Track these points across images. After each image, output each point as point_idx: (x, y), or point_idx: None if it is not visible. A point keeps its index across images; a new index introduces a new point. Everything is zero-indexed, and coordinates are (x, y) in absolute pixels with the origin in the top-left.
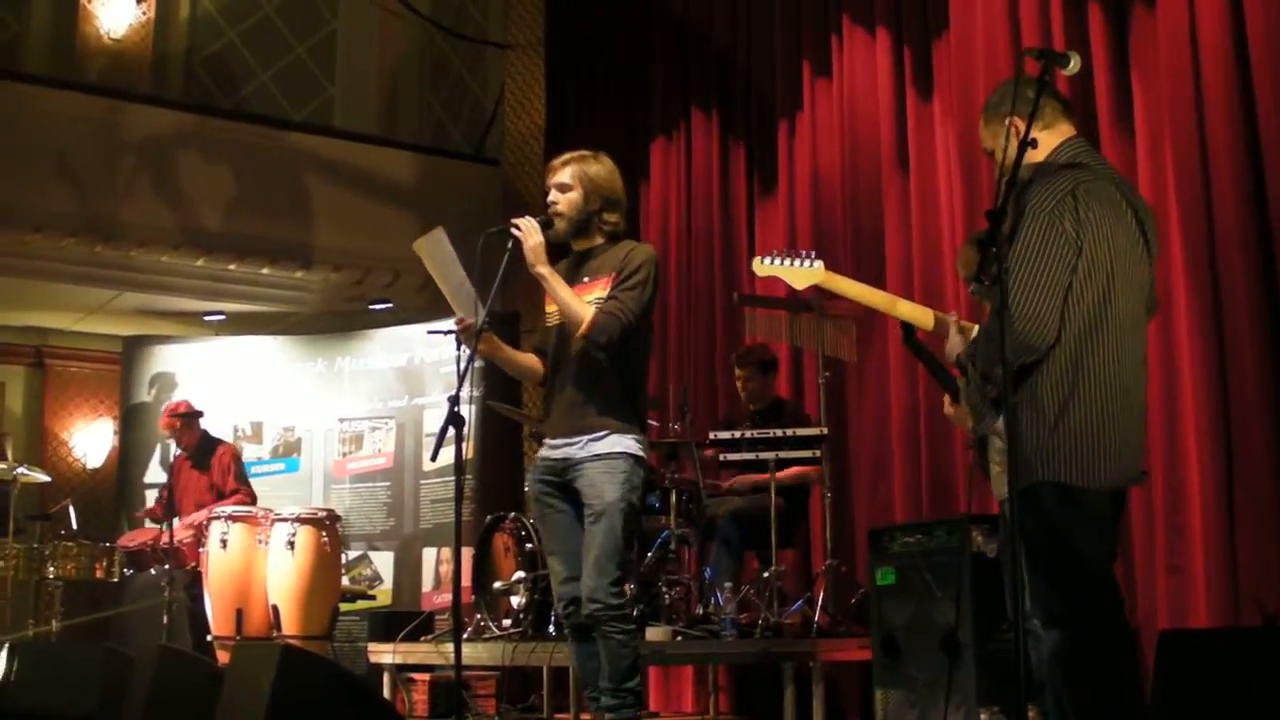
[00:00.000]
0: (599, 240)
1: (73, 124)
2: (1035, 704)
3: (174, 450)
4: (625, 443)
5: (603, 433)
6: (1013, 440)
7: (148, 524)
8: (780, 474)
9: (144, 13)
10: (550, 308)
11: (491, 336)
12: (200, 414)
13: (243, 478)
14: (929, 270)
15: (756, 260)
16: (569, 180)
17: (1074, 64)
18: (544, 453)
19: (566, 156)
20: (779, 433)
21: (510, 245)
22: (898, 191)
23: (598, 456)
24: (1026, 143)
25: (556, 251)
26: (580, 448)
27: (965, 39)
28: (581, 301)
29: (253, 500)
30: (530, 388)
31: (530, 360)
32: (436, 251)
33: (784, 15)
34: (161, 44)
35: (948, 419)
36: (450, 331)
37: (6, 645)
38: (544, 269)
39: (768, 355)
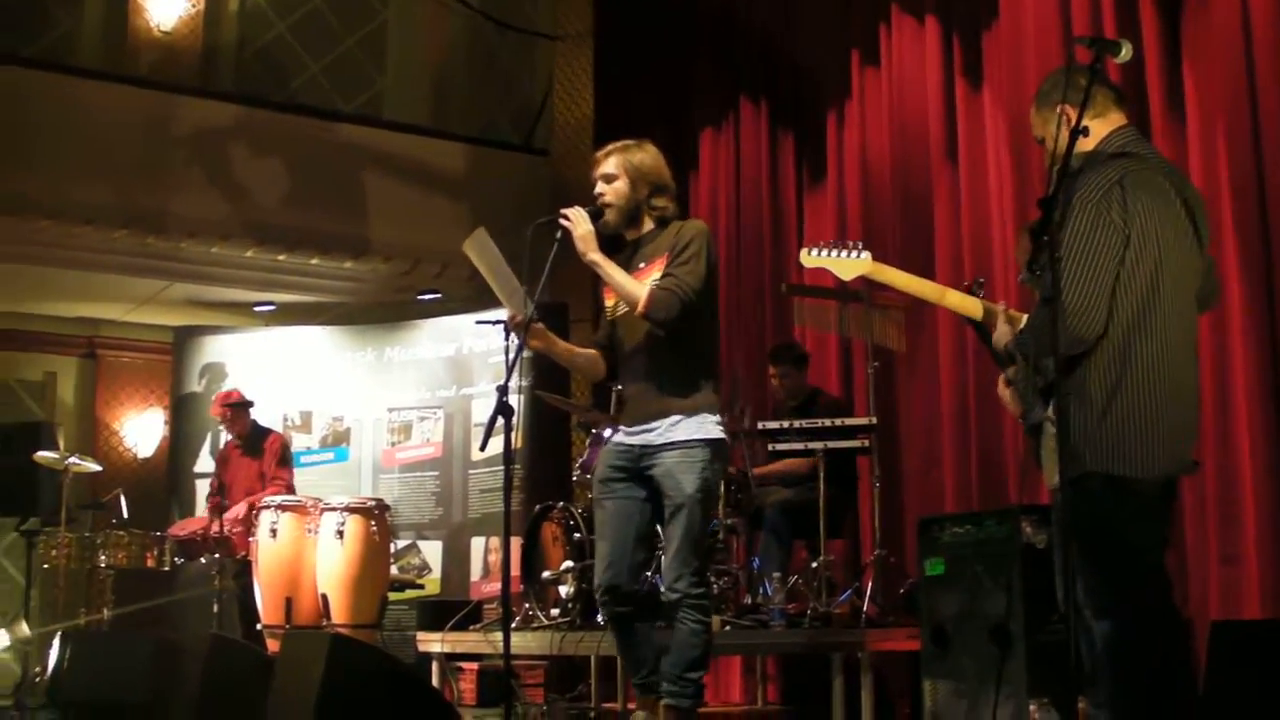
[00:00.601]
0: (649, 226)
1: (123, 117)
2: (1086, 695)
3: (224, 437)
4: (705, 427)
5: (677, 417)
6: (1063, 431)
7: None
8: (774, 466)
9: (194, 5)
10: (609, 301)
11: (545, 332)
12: (251, 404)
13: (285, 465)
14: (978, 259)
15: (804, 252)
16: (614, 170)
17: (1125, 51)
18: (619, 438)
19: (610, 147)
20: (827, 422)
21: (559, 235)
22: (947, 180)
23: (675, 444)
24: (1078, 131)
25: (608, 244)
26: (658, 434)
27: (1015, 27)
28: (637, 283)
29: (289, 490)
30: (578, 378)
31: (588, 354)
32: (483, 251)
33: (832, 3)
34: (212, 36)
35: (999, 397)
36: (499, 322)
37: (59, 634)
38: (596, 256)
39: (800, 349)
